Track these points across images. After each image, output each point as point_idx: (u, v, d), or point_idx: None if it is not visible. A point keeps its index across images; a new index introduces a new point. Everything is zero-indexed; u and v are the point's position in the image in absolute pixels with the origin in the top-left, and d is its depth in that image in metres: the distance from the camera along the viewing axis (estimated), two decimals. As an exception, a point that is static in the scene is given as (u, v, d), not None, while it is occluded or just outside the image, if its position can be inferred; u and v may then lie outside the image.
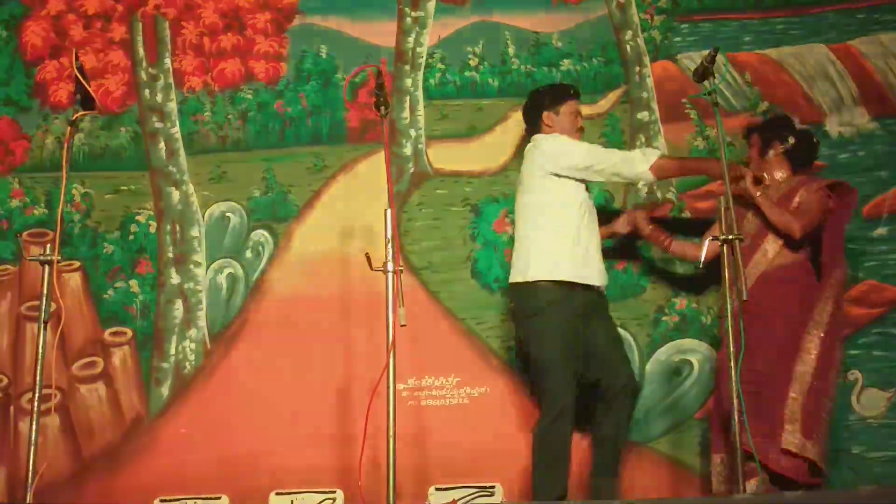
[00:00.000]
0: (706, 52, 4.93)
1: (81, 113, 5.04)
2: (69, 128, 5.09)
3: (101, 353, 6.05)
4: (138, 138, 6.30)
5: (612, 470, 5.32)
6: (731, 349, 4.67)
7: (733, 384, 4.65)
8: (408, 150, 6.23)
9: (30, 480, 4.58)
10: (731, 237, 4.72)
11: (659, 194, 6.08)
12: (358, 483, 5.00)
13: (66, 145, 5.05)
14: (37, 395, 4.63)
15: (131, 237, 6.16)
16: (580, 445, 5.46)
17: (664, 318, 5.93)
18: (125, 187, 6.24)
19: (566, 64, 6.28)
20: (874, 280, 5.82)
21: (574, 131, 5.47)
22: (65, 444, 5.93)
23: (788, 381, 5.23)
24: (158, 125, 6.31)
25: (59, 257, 4.82)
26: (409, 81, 6.30)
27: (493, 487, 5.46)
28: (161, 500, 5.53)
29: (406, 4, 6.36)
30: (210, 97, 6.34)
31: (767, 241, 5.40)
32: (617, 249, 5.92)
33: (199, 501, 5.50)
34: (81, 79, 4.91)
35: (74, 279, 6.10)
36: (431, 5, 6.36)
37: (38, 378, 4.64)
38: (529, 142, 5.54)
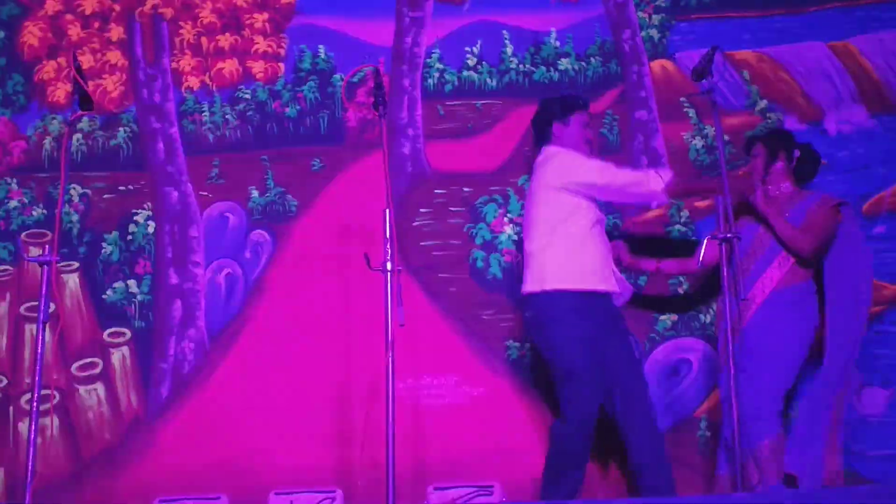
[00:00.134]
0: (705, 51, 4.94)
1: (79, 113, 5.03)
2: (67, 128, 5.11)
3: (100, 353, 6.04)
4: (136, 138, 6.29)
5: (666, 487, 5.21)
6: (730, 348, 4.68)
7: (731, 384, 4.65)
8: (406, 150, 6.23)
9: (29, 481, 4.57)
10: (729, 236, 4.73)
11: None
12: (357, 482, 5.01)
13: (64, 145, 5.05)
14: (36, 395, 4.62)
15: (130, 237, 6.16)
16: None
17: (662, 317, 5.93)
18: (123, 187, 6.23)
19: (564, 63, 6.28)
20: (873, 278, 5.82)
21: (583, 143, 5.40)
22: (64, 444, 5.93)
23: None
24: (157, 125, 6.31)
25: (58, 258, 4.82)
26: (407, 81, 6.30)
27: (491, 487, 5.45)
28: (161, 501, 5.52)
29: (404, 4, 6.36)
30: (208, 97, 6.34)
31: (773, 267, 5.37)
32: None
33: (198, 501, 5.49)
34: (79, 79, 4.91)
35: (73, 280, 6.10)
36: (429, 5, 6.36)
37: (37, 379, 4.64)
38: (539, 153, 5.47)
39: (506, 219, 6.09)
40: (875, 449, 5.64)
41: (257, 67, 6.37)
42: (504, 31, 6.33)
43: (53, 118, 6.32)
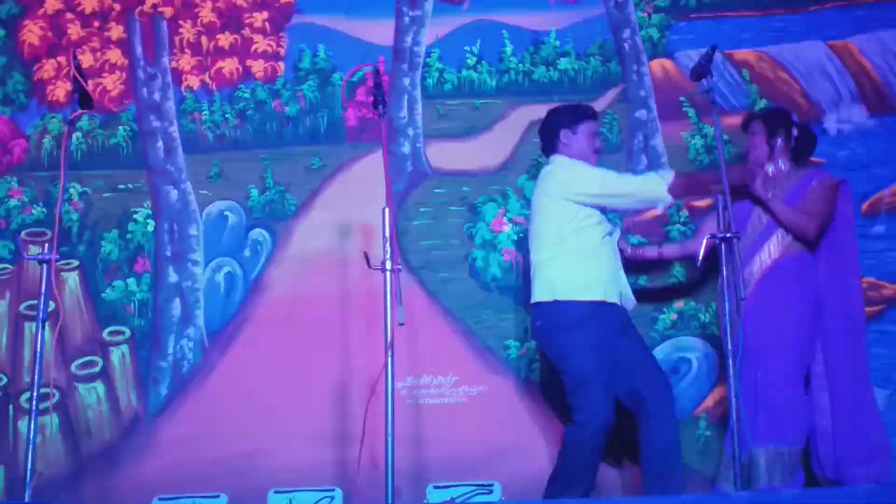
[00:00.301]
0: (704, 51, 4.94)
1: (79, 112, 5.04)
2: (67, 127, 5.10)
3: (100, 352, 6.04)
4: (136, 137, 6.29)
5: (675, 487, 5.16)
6: (730, 347, 4.69)
7: (731, 384, 4.65)
8: (406, 150, 6.23)
9: (28, 479, 4.58)
10: (728, 235, 4.73)
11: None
12: (356, 481, 5.01)
13: (63, 144, 5.05)
14: (35, 394, 4.63)
15: (129, 236, 6.15)
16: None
17: (662, 316, 5.93)
18: (123, 186, 6.23)
19: (564, 63, 6.28)
20: (872, 278, 5.83)
21: (591, 152, 5.36)
22: (63, 443, 5.92)
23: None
24: (156, 124, 6.30)
25: (58, 256, 4.82)
26: (406, 80, 6.30)
27: (491, 485, 5.46)
28: (160, 499, 5.52)
29: (404, 3, 6.36)
30: (208, 96, 6.34)
31: (771, 241, 5.38)
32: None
33: (197, 500, 5.49)
34: (79, 78, 4.91)
35: (73, 278, 6.10)
36: (429, 4, 6.36)
37: (36, 377, 4.64)
38: (546, 162, 5.45)
39: (505, 218, 6.09)
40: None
41: (257, 66, 6.37)
42: (504, 31, 6.33)
43: (53, 117, 6.32)
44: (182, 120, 6.29)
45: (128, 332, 6.06)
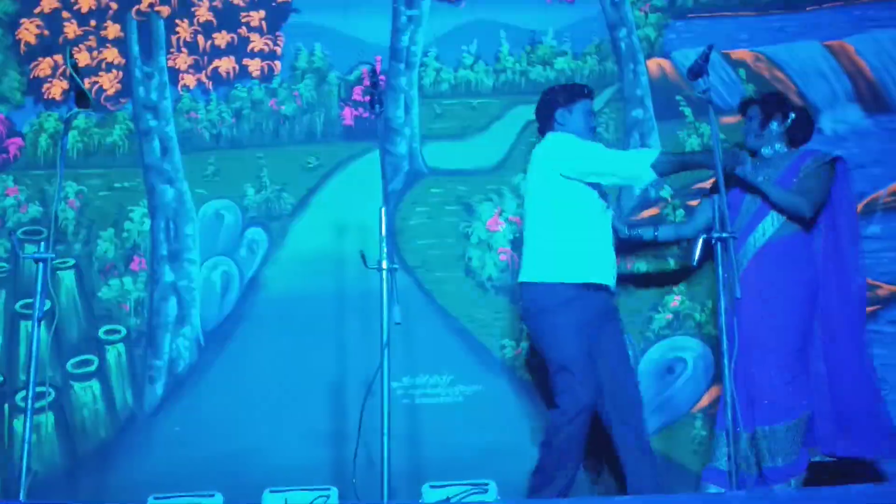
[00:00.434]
0: (701, 50, 4.94)
1: (75, 110, 5.03)
2: (63, 125, 5.09)
3: (96, 350, 6.04)
4: (132, 136, 6.29)
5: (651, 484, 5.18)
6: (726, 346, 4.68)
7: (727, 382, 4.65)
8: (402, 149, 6.23)
9: (24, 478, 4.57)
10: (724, 235, 4.72)
11: (652, 192, 6.09)
12: (352, 481, 5.01)
13: (60, 143, 5.05)
14: (31, 392, 4.62)
15: (125, 235, 6.15)
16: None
17: (657, 316, 5.94)
18: (119, 185, 6.22)
19: (561, 62, 6.28)
20: (868, 278, 5.82)
21: (587, 130, 5.37)
22: (59, 441, 5.92)
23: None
24: (153, 123, 6.30)
25: (54, 255, 4.82)
26: (403, 80, 6.30)
27: (486, 485, 5.46)
28: (155, 498, 5.50)
29: (401, 3, 6.36)
30: (204, 95, 6.33)
31: (764, 224, 5.38)
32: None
33: (192, 499, 5.48)
34: (75, 76, 4.91)
35: (69, 277, 6.09)
36: (426, 3, 6.36)
37: (32, 376, 4.64)
38: (541, 140, 5.49)
39: (501, 218, 6.09)
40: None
41: (253, 65, 6.37)
42: (501, 30, 6.33)
43: (49, 115, 6.31)
44: (178, 119, 6.29)
45: (123, 331, 6.06)
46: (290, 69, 6.35)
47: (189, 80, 6.36)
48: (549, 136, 5.37)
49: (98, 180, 6.22)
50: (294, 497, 5.47)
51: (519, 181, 6.05)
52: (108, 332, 6.06)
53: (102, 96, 6.32)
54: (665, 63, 6.27)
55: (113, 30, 6.42)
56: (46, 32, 6.42)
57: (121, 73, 6.37)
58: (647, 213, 5.96)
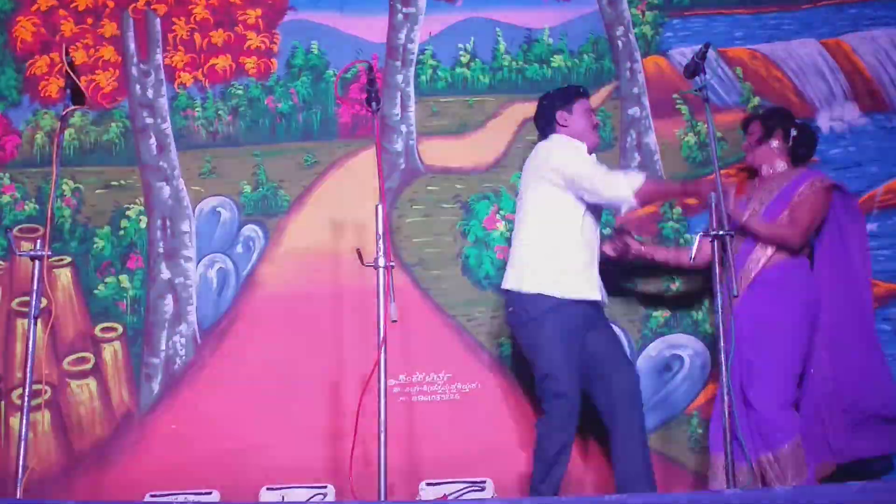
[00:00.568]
0: (698, 48, 4.95)
1: (72, 108, 5.03)
2: (59, 123, 5.09)
3: (92, 348, 6.03)
4: (129, 134, 6.28)
5: (648, 481, 5.20)
6: (723, 345, 4.69)
7: (724, 381, 4.65)
8: (399, 147, 6.23)
9: (20, 476, 4.57)
10: (721, 233, 4.72)
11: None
12: (349, 478, 5.01)
13: (56, 140, 5.04)
14: (27, 390, 4.62)
15: (122, 232, 6.15)
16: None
17: (655, 314, 5.94)
18: (116, 182, 6.22)
19: (557, 60, 6.28)
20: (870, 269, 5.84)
21: (590, 128, 5.38)
22: (55, 439, 5.91)
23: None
24: (149, 121, 6.30)
25: (50, 253, 4.82)
26: (400, 77, 6.30)
27: (483, 482, 5.46)
28: (151, 496, 5.51)
29: (397, 0, 6.36)
30: (201, 93, 6.33)
31: (758, 251, 5.37)
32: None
33: (189, 497, 5.48)
34: (71, 73, 4.90)
35: (65, 274, 6.09)
36: (423, 1, 6.36)
37: (28, 373, 4.63)
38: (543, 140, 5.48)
39: (498, 216, 6.09)
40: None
41: (250, 63, 6.37)
42: (497, 28, 6.33)
43: (46, 113, 6.31)
44: (175, 116, 6.29)
45: (120, 329, 6.05)
46: (287, 67, 6.35)
47: (185, 77, 6.35)
48: (554, 137, 5.37)
49: (94, 178, 6.21)
50: (291, 494, 5.48)
51: (515, 179, 6.04)
52: (104, 330, 6.05)
53: (99, 94, 6.32)
54: (662, 61, 6.27)
55: (109, 27, 6.42)
56: (43, 30, 6.42)
57: (117, 71, 6.37)
58: (642, 212, 5.95)
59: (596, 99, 6.12)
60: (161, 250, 6.13)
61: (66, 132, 6.17)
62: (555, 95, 5.48)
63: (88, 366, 6.01)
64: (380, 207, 4.75)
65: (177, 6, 6.43)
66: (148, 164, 6.24)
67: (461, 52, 6.31)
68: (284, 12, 6.41)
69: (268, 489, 5.51)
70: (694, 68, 4.93)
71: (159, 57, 6.37)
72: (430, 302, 6.02)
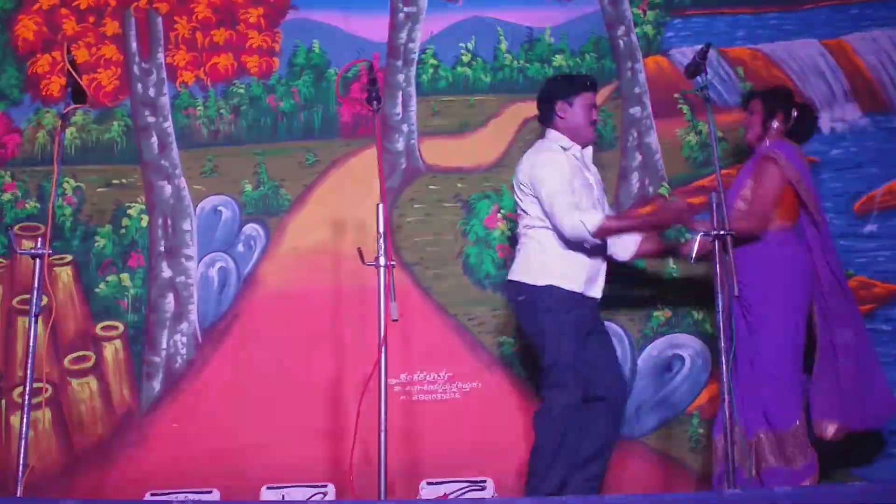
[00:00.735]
0: (699, 48, 4.94)
1: (73, 107, 5.03)
2: (61, 121, 5.09)
3: (93, 346, 6.04)
4: (130, 132, 6.29)
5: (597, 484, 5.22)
6: (723, 345, 4.68)
7: (725, 380, 4.65)
8: (400, 146, 6.23)
9: (20, 474, 4.57)
10: (722, 233, 4.72)
11: (651, 189, 6.09)
12: (349, 477, 5.01)
13: (57, 139, 5.05)
14: (28, 388, 4.62)
15: (123, 231, 6.15)
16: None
17: (656, 313, 5.94)
18: (117, 181, 6.22)
19: (559, 59, 6.28)
20: (863, 276, 5.84)
21: (587, 124, 5.33)
22: (56, 437, 5.92)
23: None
24: (151, 119, 6.30)
25: (51, 251, 4.81)
26: (401, 77, 6.30)
27: (484, 482, 5.46)
28: (152, 494, 5.52)
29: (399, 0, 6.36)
30: (203, 91, 6.33)
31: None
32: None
33: (190, 495, 5.48)
34: (73, 72, 4.91)
35: (66, 273, 6.09)
36: (424, 0, 6.36)
37: (29, 372, 4.64)
38: (543, 135, 5.46)
39: (499, 215, 6.09)
40: (868, 446, 5.66)
41: (252, 62, 6.37)
42: (499, 28, 6.33)
43: (47, 111, 6.31)
44: (176, 115, 6.29)
45: (121, 328, 6.06)
46: (288, 66, 6.35)
47: (187, 76, 6.35)
48: (546, 144, 5.32)
49: (96, 176, 6.22)
50: (292, 493, 5.48)
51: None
52: (105, 329, 6.06)
53: (100, 93, 6.32)
54: (663, 61, 6.27)
55: (111, 26, 6.42)
56: (45, 28, 6.42)
57: (119, 70, 6.37)
58: (644, 210, 5.95)
59: (598, 99, 6.11)
60: (162, 249, 6.13)
61: (68, 131, 6.17)
62: (560, 83, 5.42)
63: (89, 364, 6.02)
64: (381, 207, 4.75)
65: (179, 5, 6.43)
66: (149, 162, 6.24)
67: (462, 52, 6.31)
68: (286, 11, 6.41)
69: (268, 488, 5.51)
70: (695, 68, 4.92)
71: (161, 55, 6.38)
72: (431, 301, 6.03)
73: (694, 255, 4.96)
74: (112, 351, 6.04)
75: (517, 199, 5.31)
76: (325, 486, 5.54)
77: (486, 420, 5.81)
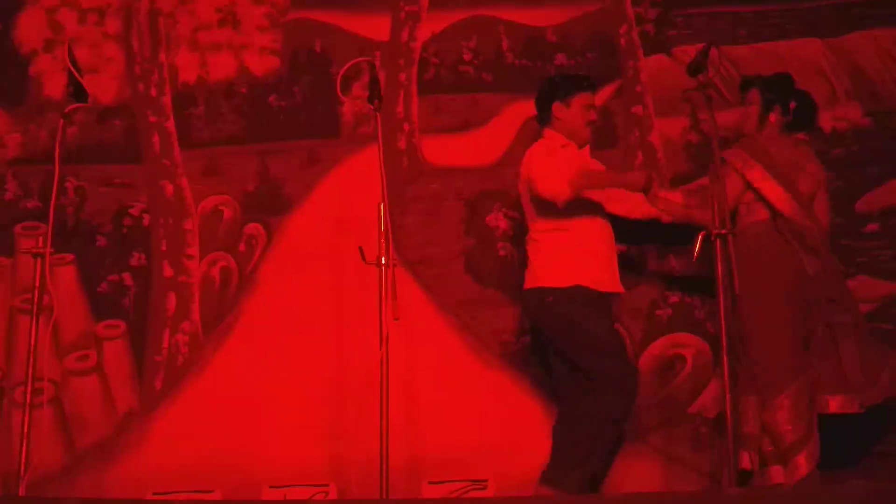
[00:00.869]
0: (700, 47, 4.94)
1: (75, 106, 5.03)
2: (62, 121, 5.09)
3: (94, 346, 6.04)
4: (132, 132, 6.29)
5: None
6: (724, 343, 4.68)
7: (725, 380, 4.65)
8: (402, 144, 6.23)
9: (23, 473, 4.57)
10: (724, 231, 4.72)
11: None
12: (351, 477, 5.01)
13: (59, 138, 5.05)
14: (29, 388, 4.63)
15: (124, 230, 6.15)
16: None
17: (658, 312, 5.94)
18: (119, 180, 6.23)
19: (560, 58, 6.27)
20: (865, 276, 5.84)
21: (584, 125, 5.36)
22: (58, 437, 5.92)
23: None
24: (152, 119, 6.30)
25: (52, 250, 4.82)
26: (403, 75, 6.30)
27: (485, 482, 5.46)
28: (154, 494, 5.52)
29: (400, -2, 6.37)
30: (204, 91, 6.33)
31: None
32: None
33: (191, 495, 5.49)
34: (74, 71, 4.91)
35: (68, 272, 6.09)
36: (426, -1, 6.37)
37: (30, 371, 4.64)
38: (540, 134, 5.47)
39: (501, 213, 6.08)
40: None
41: (253, 62, 6.37)
42: (500, 26, 6.33)
43: (49, 111, 6.31)
44: (178, 115, 6.29)
45: (122, 327, 6.06)
46: (290, 65, 6.34)
47: (189, 76, 6.35)
48: (536, 149, 5.34)
49: (97, 176, 6.22)
50: (293, 493, 5.48)
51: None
52: (106, 328, 6.06)
53: (102, 92, 6.31)
54: (665, 59, 6.26)
55: (113, 26, 6.42)
56: (47, 28, 6.42)
57: (121, 70, 6.37)
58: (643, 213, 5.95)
59: (599, 97, 6.11)
60: (164, 248, 6.13)
61: (69, 130, 6.17)
62: (558, 83, 5.45)
63: (91, 363, 6.02)
64: (382, 206, 4.75)
65: (180, 5, 6.44)
66: (151, 162, 6.25)
67: (464, 50, 6.31)
68: (288, 11, 6.42)
69: (270, 488, 5.51)
70: (697, 67, 4.92)
71: (163, 55, 6.37)
72: (433, 300, 6.02)
73: (695, 254, 4.96)
74: (113, 350, 6.04)
75: (527, 206, 5.32)
76: (327, 486, 5.54)
77: (487, 419, 5.81)
